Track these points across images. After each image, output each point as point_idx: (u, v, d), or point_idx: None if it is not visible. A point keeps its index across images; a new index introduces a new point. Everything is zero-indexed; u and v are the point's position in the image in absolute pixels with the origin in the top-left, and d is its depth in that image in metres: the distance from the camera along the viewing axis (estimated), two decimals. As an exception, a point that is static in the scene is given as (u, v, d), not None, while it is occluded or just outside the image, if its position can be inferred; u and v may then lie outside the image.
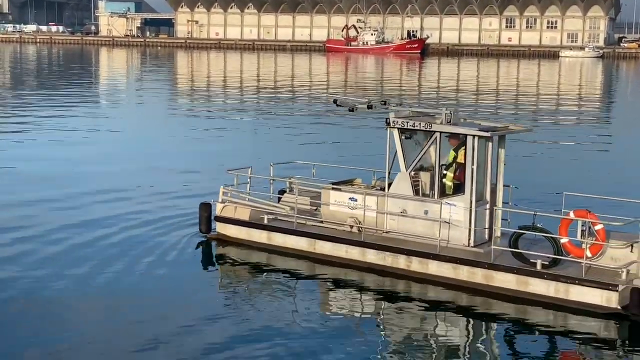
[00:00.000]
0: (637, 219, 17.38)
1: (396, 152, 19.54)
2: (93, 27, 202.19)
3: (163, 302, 16.47)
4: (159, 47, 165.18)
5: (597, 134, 48.45)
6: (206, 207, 21.43)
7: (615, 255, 17.32)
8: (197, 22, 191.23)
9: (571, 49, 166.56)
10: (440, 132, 18.93)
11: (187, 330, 14.94)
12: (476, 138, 18.55)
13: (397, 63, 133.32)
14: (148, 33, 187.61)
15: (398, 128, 19.33)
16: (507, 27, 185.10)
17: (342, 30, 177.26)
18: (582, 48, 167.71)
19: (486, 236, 18.86)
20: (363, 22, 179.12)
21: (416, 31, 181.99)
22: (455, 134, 19.23)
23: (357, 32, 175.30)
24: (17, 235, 20.59)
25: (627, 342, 15.76)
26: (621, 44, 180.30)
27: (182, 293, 17.13)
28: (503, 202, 19.94)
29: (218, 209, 21.47)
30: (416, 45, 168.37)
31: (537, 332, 16.04)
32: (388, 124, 19.41)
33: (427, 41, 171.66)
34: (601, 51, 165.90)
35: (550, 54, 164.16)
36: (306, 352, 14.09)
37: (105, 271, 18.32)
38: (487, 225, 19.01)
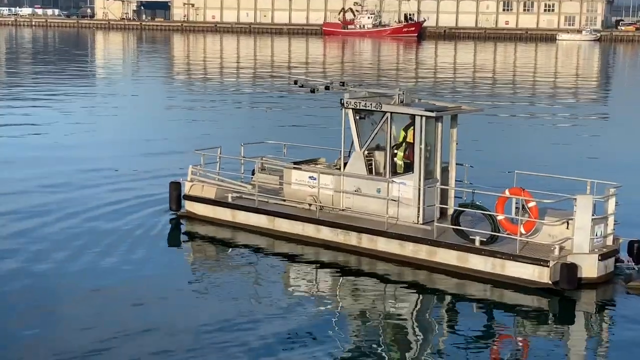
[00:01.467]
0: (569, 196, 17.86)
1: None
2: (89, 10, 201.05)
3: (134, 278, 17.19)
4: (155, 31, 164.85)
5: (580, 115, 48.76)
6: (176, 186, 22.24)
7: (552, 232, 17.84)
8: (193, 5, 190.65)
9: (568, 32, 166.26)
10: (391, 113, 19.41)
11: (154, 305, 15.68)
12: (424, 118, 18.99)
13: (394, 46, 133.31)
14: (144, 16, 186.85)
15: (352, 108, 19.89)
16: (504, 10, 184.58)
17: (339, 14, 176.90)
18: (579, 31, 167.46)
19: (437, 214, 19.16)
20: (360, 5, 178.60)
21: (413, 14, 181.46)
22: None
23: (354, 16, 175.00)
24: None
25: (557, 315, 16.50)
26: (618, 27, 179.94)
27: (150, 270, 17.79)
28: (457, 181, 20.41)
29: (187, 188, 22.23)
30: (413, 28, 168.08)
31: (475, 306, 16.66)
32: (342, 104, 20.05)
33: (424, 24, 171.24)
34: (598, 34, 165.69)
35: (548, 37, 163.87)
36: (265, 325, 14.74)
37: (79, 248, 18.98)
38: (437, 204, 19.31)
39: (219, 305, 15.75)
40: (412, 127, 19.60)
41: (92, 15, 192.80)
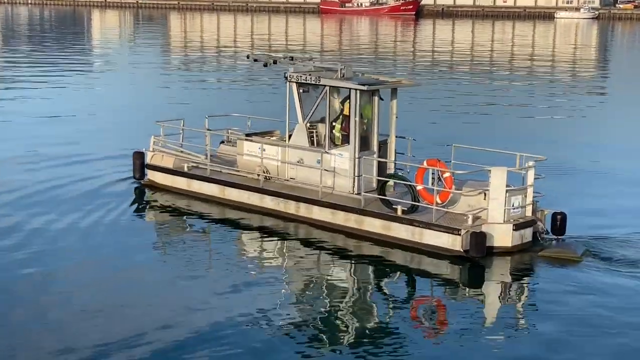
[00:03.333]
0: (483, 167, 18.59)
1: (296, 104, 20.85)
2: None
3: (97, 244, 18.34)
4: (152, 9, 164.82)
5: (563, 93, 49.21)
6: (139, 156, 23.41)
7: (471, 202, 18.50)
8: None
9: (566, 10, 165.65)
10: (330, 86, 20.10)
11: (109, 272, 16.75)
12: (358, 92, 19.63)
13: (392, 25, 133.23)
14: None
15: (294, 82, 20.56)
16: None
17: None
18: (577, 9, 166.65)
19: (374, 184, 19.90)
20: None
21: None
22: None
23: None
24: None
25: (467, 281, 17.43)
26: (617, 5, 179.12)
27: (109, 238, 18.87)
28: (399, 153, 21.11)
29: (148, 157, 23.18)
30: (411, 6, 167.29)
31: (397, 273, 17.50)
32: (286, 78, 20.70)
33: (422, 2, 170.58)
34: (597, 12, 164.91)
35: (546, 15, 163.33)
36: (212, 290, 15.85)
37: (47, 214, 20.26)
38: (375, 174, 20.08)
39: (170, 274, 16.80)
40: (348, 100, 20.28)
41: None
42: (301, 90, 20.87)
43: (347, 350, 13.46)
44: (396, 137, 20.91)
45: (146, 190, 22.85)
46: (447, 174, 18.68)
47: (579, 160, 28.44)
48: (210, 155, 22.65)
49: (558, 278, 17.07)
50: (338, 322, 14.64)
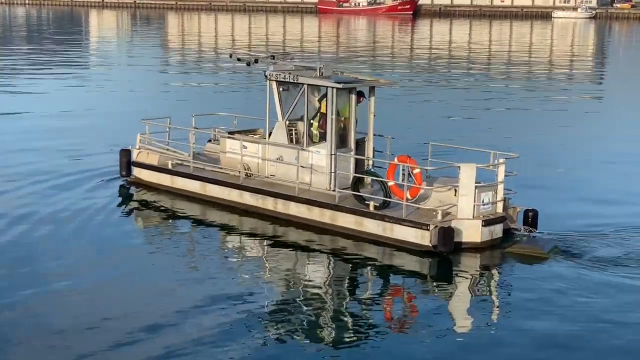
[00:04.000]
0: (452, 164, 18.86)
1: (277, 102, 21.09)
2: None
3: (83, 239, 18.83)
4: (149, 9, 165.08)
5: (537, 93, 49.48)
6: (125, 153, 23.77)
7: (442, 198, 18.74)
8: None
9: (564, 10, 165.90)
10: (308, 85, 20.32)
11: (95, 267, 17.15)
12: (334, 90, 19.87)
13: (389, 24, 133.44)
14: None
15: (274, 80, 20.83)
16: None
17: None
18: (574, 9, 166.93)
19: (350, 181, 20.15)
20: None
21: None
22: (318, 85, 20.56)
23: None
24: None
25: (434, 276, 17.72)
26: (614, 5, 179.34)
27: (95, 233, 19.27)
28: (378, 151, 21.35)
29: (134, 155, 23.54)
30: (408, 6, 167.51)
31: (367, 267, 17.79)
32: (266, 77, 20.93)
33: (419, 2, 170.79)
34: (594, 12, 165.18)
35: (543, 15, 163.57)
36: (193, 283, 16.25)
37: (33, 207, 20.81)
38: (352, 171, 20.31)
39: (153, 268, 17.36)
40: (325, 99, 20.52)
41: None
42: (281, 89, 21.14)
43: (313, 345, 13.71)
44: (375, 135, 21.11)
45: (132, 188, 23.19)
46: (416, 170, 18.94)
47: (560, 158, 28.75)
48: (197, 153, 23.00)
49: (523, 274, 17.36)
50: (306, 316, 14.87)
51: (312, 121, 20.82)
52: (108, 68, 57.75)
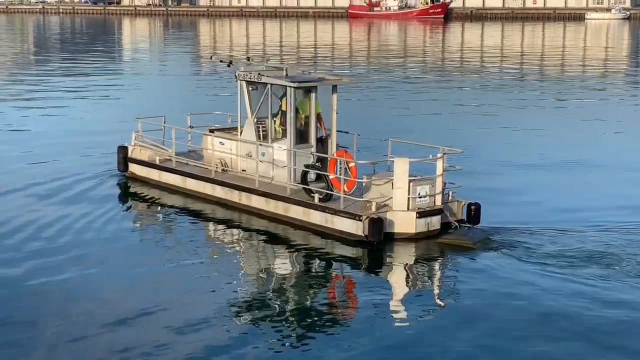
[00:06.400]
0: (387, 158, 19.51)
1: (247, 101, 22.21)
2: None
3: (81, 229, 20.11)
4: (182, 16, 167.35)
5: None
6: (122, 150, 25.31)
7: (382, 191, 19.40)
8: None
9: (597, 11, 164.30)
10: (271, 84, 21.34)
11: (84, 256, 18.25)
12: (292, 89, 20.90)
13: (420, 28, 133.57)
14: (170, 2, 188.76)
15: (243, 80, 21.90)
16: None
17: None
18: (608, 10, 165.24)
19: (313, 176, 20.96)
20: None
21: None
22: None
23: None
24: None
25: (367, 262, 18.57)
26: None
27: (91, 222, 20.62)
28: (341, 146, 22.24)
29: (129, 151, 25.00)
30: (439, 9, 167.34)
31: (313, 256, 18.79)
32: (236, 77, 22.10)
33: (451, 5, 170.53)
34: (628, 13, 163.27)
35: (576, 17, 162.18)
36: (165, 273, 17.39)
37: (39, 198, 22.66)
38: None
39: (139, 256, 18.70)
40: (285, 97, 21.40)
41: (119, 2, 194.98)
42: (250, 88, 22.21)
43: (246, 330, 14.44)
44: (340, 131, 21.93)
45: (127, 182, 24.82)
46: (352, 164, 19.69)
47: (516, 155, 29.49)
48: (192, 151, 24.78)
49: (450, 263, 18.27)
50: (242, 302, 15.80)
51: (274, 119, 21.72)
52: (139, 74, 59.87)
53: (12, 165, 27.09)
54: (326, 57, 78.41)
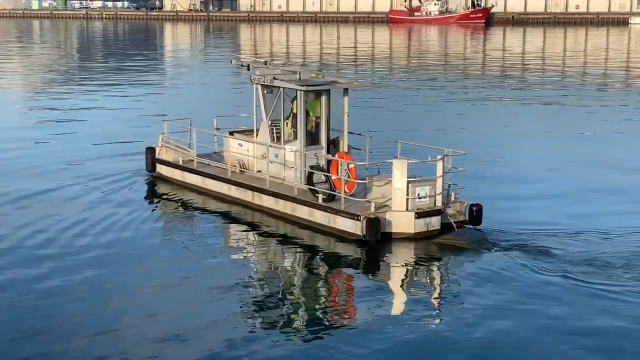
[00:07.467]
0: (387, 160, 19.96)
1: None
2: (157, 2, 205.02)
3: (111, 225, 20.96)
4: (222, 21, 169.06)
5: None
6: (150, 151, 26.15)
7: (384, 192, 19.86)
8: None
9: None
10: (283, 88, 21.90)
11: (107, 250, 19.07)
12: (302, 92, 21.49)
13: (461, 33, 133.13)
14: (211, 7, 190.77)
15: (259, 84, 22.49)
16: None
17: (405, 1, 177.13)
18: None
19: (322, 177, 21.45)
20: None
21: (480, 0, 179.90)
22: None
23: (420, 2, 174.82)
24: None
25: (365, 260, 18.92)
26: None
27: (120, 221, 21.37)
28: (353, 148, 22.70)
29: (157, 152, 25.94)
30: (480, 14, 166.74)
31: (315, 255, 19.37)
32: (252, 81, 22.70)
33: (492, 10, 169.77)
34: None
35: (619, 21, 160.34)
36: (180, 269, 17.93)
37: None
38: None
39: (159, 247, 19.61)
40: (296, 100, 21.94)
41: (161, 7, 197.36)
42: (265, 92, 22.80)
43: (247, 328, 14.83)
44: (350, 133, 22.37)
45: (154, 181, 25.65)
46: (351, 166, 20.18)
47: (513, 158, 29.62)
48: (216, 152, 25.66)
49: (443, 263, 18.54)
50: (244, 299, 16.24)
51: (287, 121, 22.27)
52: (177, 77, 61.79)
53: (56, 166, 27.93)
54: (366, 62, 78.76)
